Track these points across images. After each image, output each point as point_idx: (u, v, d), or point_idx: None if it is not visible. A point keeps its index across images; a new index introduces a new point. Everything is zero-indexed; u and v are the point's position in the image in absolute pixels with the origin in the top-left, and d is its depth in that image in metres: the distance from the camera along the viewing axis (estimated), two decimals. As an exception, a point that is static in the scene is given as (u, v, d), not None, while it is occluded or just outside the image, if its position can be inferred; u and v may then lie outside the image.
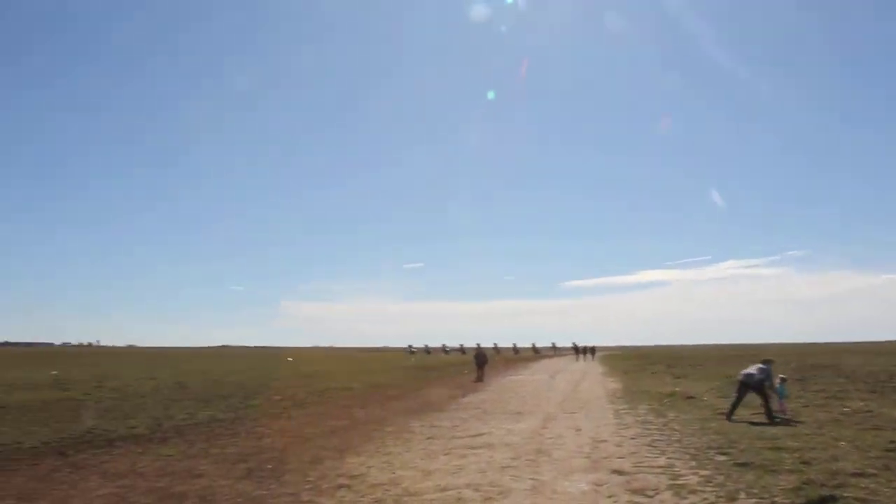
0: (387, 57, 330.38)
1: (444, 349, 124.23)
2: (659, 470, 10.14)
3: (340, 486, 9.39)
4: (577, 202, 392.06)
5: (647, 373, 41.99)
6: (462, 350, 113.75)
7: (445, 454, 12.09)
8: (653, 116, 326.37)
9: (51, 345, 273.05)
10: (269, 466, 10.96)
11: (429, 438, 14.22)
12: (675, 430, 14.64)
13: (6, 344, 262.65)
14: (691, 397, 22.32)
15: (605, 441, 13.26)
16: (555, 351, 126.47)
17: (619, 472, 10.00)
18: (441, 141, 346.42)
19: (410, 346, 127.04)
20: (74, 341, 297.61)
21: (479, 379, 37.33)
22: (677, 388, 26.25)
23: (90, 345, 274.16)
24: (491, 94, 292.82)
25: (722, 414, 16.77)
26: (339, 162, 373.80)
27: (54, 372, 39.37)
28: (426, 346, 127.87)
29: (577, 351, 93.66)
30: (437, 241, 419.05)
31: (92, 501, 8.57)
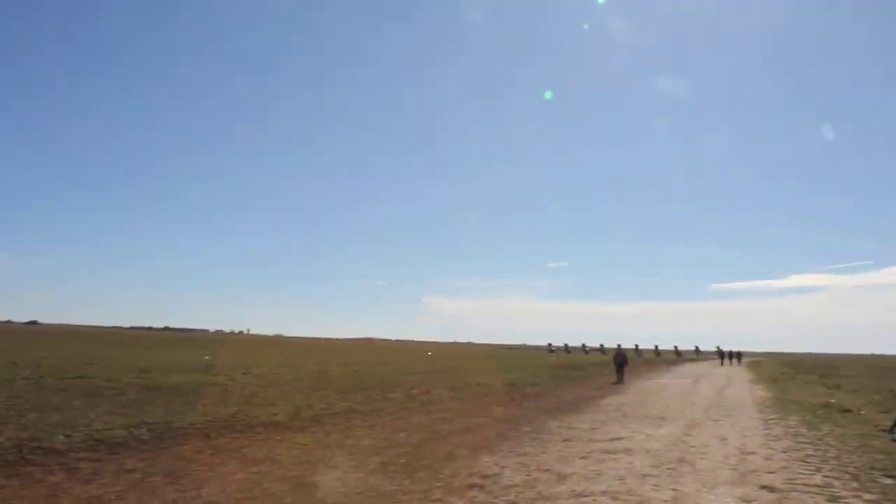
0: (532, 61, 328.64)
1: (583, 349, 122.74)
2: (815, 489, 9.34)
3: (472, 486, 9.15)
4: (730, 202, 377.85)
5: (798, 382, 39.82)
6: (602, 350, 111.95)
7: (582, 458, 11.66)
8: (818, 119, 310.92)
9: (206, 331, 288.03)
10: (402, 461, 10.86)
11: (566, 440, 13.81)
12: (832, 445, 13.60)
13: (167, 329, 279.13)
14: (847, 410, 20.84)
15: (753, 453, 12.46)
16: (698, 355, 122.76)
17: (770, 489, 9.28)
18: (595, 143, 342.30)
19: (550, 345, 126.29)
20: (227, 329, 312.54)
21: (619, 380, 36.48)
22: (832, 400, 24.59)
23: (241, 333, 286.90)
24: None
25: (884, 431, 15.51)
26: (484, 159, 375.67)
27: (207, 357, 41.23)
28: (566, 345, 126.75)
29: (722, 356, 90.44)
30: (581, 241, 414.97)
31: (227, 486, 8.67)
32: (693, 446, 13.22)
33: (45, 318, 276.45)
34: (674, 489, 9.15)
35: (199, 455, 10.75)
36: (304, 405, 17.61)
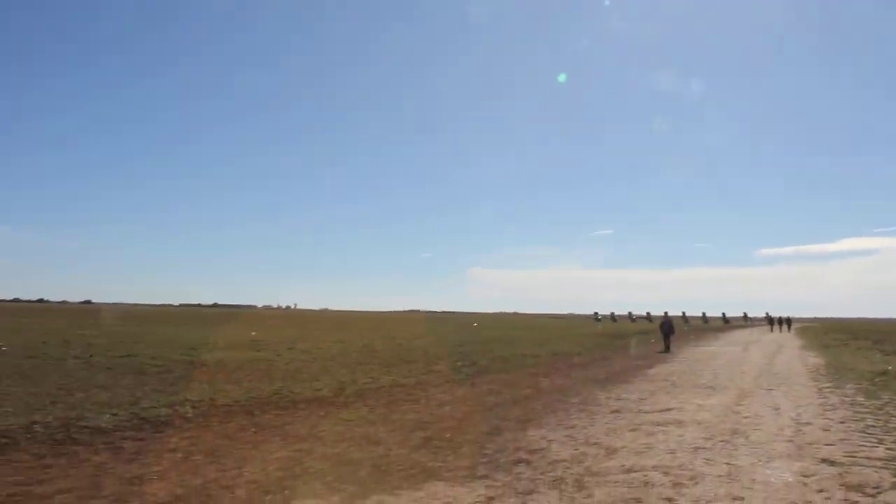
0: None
1: (630, 317, 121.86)
2: (879, 463, 8.91)
3: (519, 461, 8.92)
4: (776, 166, 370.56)
5: (851, 348, 38.85)
6: (649, 318, 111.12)
7: (632, 430, 11.37)
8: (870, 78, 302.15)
9: (253, 307, 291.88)
10: (447, 436, 10.68)
11: (614, 412, 13.52)
12: (893, 415, 13.09)
13: (215, 306, 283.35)
14: (907, 377, 20.20)
15: (809, 424, 12.04)
16: (746, 321, 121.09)
17: (830, 462, 8.90)
18: (638, 111, 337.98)
19: (597, 314, 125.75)
20: (274, 304, 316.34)
21: (666, 349, 36.00)
22: (889, 367, 23.83)
23: (288, 308, 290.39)
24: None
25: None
26: (530, 128, 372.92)
27: (253, 333, 41.59)
28: (612, 313, 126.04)
29: (772, 322, 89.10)
30: (625, 209, 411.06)
31: (269, 464, 8.55)
32: (746, 417, 12.85)
33: (99, 297, 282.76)
34: (728, 463, 8.83)
35: (242, 433, 10.68)
36: (348, 380, 17.54)
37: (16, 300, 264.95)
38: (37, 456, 8.80)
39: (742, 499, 7.14)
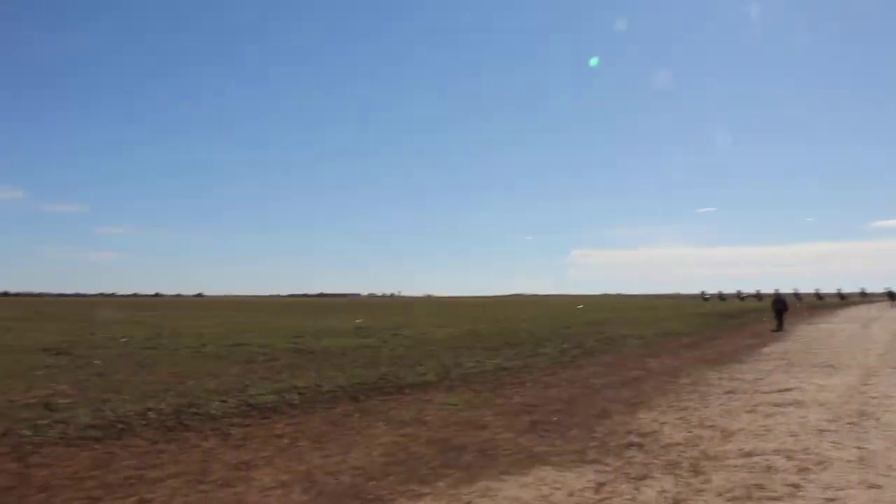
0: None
1: (739, 295, 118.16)
2: None
3: (630, 445, 8.58)
4: (886, 132, 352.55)
5: None
6: (758, 296, 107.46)
7: (748, 412, 10.84)
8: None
9: (358, 296, 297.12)
10: (554, 419, 10.40)
11: (728, 393, 12.96)
12: None
13: (322, 295, 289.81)
14: None
15: (945, 404, 11.24)
16: (864, 297, 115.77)
17: (974, 444, 8.23)
18: (737, 81, 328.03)
19: (704, 293, 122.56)
20: (379, 292, 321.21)
21: (779, 327, 34.62)
22: None
23: (392, 295, 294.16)
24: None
25: None
26: (628, 104, 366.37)
27: (358, 320, 42.11)
28: (720, 292, 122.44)
29: (893, 297, 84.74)
30: (728, 185, 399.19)
31: (374, 449, 8.47)
32: (873, 397, 12.09)
33: (210, 290, 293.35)
34: (858, 447, 8.25)
35: (347, 418, 10.66)
36: (452, 364, 17.41)
37: (134, 295, 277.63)
38: (150, 441, 8.98)
39: (879, 487, 6.61)
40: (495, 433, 9.46)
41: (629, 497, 6.46)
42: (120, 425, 9.76)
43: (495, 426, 9.96)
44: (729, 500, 6.30)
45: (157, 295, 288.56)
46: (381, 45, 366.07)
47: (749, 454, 8.00)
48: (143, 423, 10.01)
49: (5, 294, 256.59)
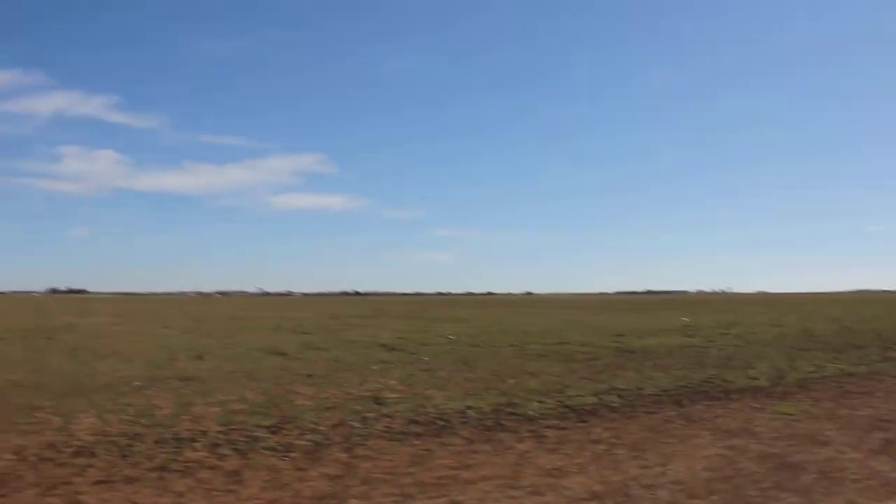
0: None
1: None
2: None
3: None
4: None
5: None
6: None
7: None
8: None
9: (686, 292, 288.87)
10: (917, 437, 8.97)
11: None
12: None
13: (649, 292, 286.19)
14: None
15: None
16: None
17: None
18: None
19: None
20: (708, 289, 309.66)
21: None
22: None
23: (722, 291, 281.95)
24: None
25: None
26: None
27: (684, 318, 40.57)
28: None
29: None
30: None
31: (696, 462, 7.79)
32: None
33: (538, 289, 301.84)
34: None
35: (669, 425, 10.03)
36: (786, 367, 15.95)
37: (468, 293, 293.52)
38: (467, 440, 9.08)
39: None
40: (839, 451, 8.30)
41: None
42: (440, 422, 10.03)
43: (839, 443, 8.76)
44: None
45: (488, 293, 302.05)
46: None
47: None
48: (463, 420, 10.20)
49: (356, 293, 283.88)
